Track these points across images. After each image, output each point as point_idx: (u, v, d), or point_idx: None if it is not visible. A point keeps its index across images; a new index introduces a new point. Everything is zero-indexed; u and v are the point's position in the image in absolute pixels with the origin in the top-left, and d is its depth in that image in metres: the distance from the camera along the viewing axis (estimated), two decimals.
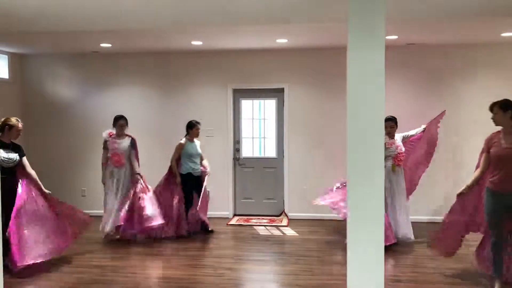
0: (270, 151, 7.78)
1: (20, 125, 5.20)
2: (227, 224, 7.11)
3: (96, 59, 7.85)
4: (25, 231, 4.93)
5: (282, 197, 7.63)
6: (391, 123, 5.86)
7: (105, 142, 6.33)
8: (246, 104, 7.79)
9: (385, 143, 5.77)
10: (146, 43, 6.96)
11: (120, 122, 6.33)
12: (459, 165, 7.00)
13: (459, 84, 7.18)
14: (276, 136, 7.70)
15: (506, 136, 4.17)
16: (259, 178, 7.69)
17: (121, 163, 6.25)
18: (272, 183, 7.70)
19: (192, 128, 6.54)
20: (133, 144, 6.39)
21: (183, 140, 6.55)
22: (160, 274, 5.01)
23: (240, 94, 7.72)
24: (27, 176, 5.20)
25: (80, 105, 7.97)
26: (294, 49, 7.30)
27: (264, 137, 7.80)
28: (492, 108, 4.23)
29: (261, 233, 6.66)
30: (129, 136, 6.41)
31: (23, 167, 5.20)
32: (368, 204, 2.91)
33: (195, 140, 6.62)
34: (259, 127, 7.80)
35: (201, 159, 6.65)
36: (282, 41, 6.71)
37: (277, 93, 7.59)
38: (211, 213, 6.95)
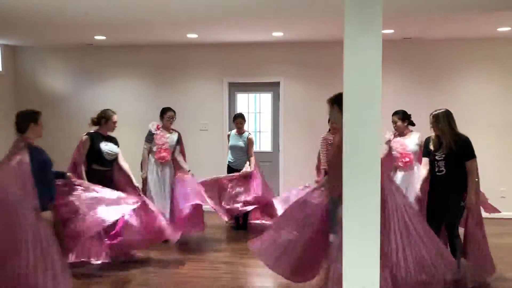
0: (266, 145, 7.76)
1: (115, 116, 5.14)
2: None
3: (90, 51, 7.78)
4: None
5: (278, 191, 7.61)
6: (393, 118, 5.37)
7: (151, 135, 5.81)
8: (242, 98, 7.76)
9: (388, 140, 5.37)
10: (141, 36, 6.90)
11: (169, 113, 5.86)
12: None
13: (455, 79, 7.17)
14: (272, 130, 7.68)
15: (337, 134, 3.92)
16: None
17: (167, 159, 5.80)
18: (267, 177, 7.64)
19: (233, 121, 6.55)
20: (179, 139, 6.01)
21: (230, 131, 6.66)
22: (155, 268, 4.97)
23: (235, 87, 7.68)
24: (120, 168, 5.15)
25: (74, 98, 7.91)
26: (290, 42, 7.26)
27: (260, 131, 7.77)
28: (329, 103, 3.84)
29: (256, 227, 6.65)
30: (176, 130, 6.00)
31: (118, 159, 5.18)
32: (364, 200, 2.87)
33: (247, 133, 6.47)
34: (254, 121, 7.78)
35: (249, 156, 6.38)
36: (278, 34, 6.67)
37: (272, 87, 7.56)
38: (206, 207, 6.91)
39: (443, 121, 4.32)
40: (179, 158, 5.96)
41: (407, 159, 5.18)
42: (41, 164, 3.91)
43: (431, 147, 4.39)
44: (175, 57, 7.65)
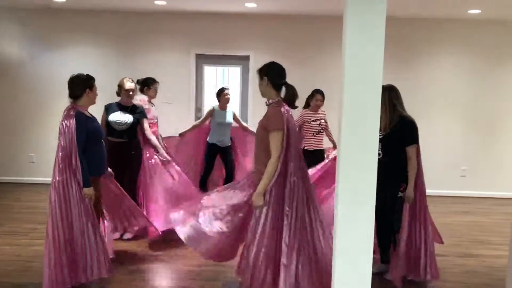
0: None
1: (128, 84, 4.77)
2: None
3: (48, 15, 7.23)
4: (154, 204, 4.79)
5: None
6: None
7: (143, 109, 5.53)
8: (209, 71, 7.50)
9: None
10: (104, 0, 6.46)
11: (156, 85, 5.50)
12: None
13: (423, 58, 7.25)
14: (240, 105, 7.49)
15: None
16: None
17: (157, 134, 5.45)
18: None
19: (220, 95, 5.82)
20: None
21: (214, 106, 5.91)
22: (131, 246, 4.76)
23: (203, 60, 7.41)
24: (146, 141, 4.86)
25: (29, 65, 7.36)
26: (263, 15, 7.05)
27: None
28: (258, 73, 3.50)
29: None
30: (152, 103, 5.60)
31: (142, 130, 4.85)
32: (360, 179, 2.78)
33: (228, 108, 5.90)
34: None
35: (243, 128, 6.08)
36: (251, 5, 6.45)
37: (242, 60, 7.35)
38: None
39: (383, 97, 3.62)
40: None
41: None
42: (91, 134, 3.61)
43: None
44: (141, 25, 7.25)
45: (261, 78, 3.37)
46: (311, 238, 3.27)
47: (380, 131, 3.70)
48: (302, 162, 3.39)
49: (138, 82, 5.50)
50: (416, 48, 7.20)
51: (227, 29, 7.22)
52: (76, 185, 3.42)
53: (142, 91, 5.51)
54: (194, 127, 5.98)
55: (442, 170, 7.27)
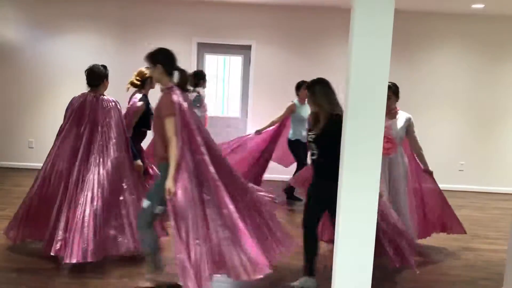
0: (234, 111, 7.57)
1: None
2: None
3: (50, 0, 7.15)
4: None
5: None
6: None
7: (202, 101, 5.69)
8: (211, 60, 7.47)
9: None
10: None
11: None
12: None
13: (425, 53, 7.24)
14: (241, 95, 7.48)
15: None
16: (220, 138, 7.45)
17: None
18: None
19: (299, 89, 5.59)
20: None
21: (294, 101, 5.66)
22: None
23: (205, 48, 7.37)
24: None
25: (29, 50, 7.29)
26: (266, 4, 7.02)
27: (228, 96, 7.56)
28: (149, 61, 3.48)
29: None
30: None
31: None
32: (364, 169, 2.79)
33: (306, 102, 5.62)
34: (223, 84, 7.54)
35: None
36: None
37: (244, 50, 7.32)
38: None
39: (320, 93, 3.43)
40: None
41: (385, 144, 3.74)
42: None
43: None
44: (143, 13, 7.19)
45: (154, 65, 3.39)
46: (226, 213, 3.25)
47: (315, 130, 3.49)
48: (200, 145, 3.31)
49: (189, 75, 5.47)
50: (418, 42, 7.19)
51: (230, 18, 7.18)
52: (129, 162, 3.90)
53: (197, 84, 5.59)
54: (272, 123, 5.74)
55: (440, 164, 7.24)
